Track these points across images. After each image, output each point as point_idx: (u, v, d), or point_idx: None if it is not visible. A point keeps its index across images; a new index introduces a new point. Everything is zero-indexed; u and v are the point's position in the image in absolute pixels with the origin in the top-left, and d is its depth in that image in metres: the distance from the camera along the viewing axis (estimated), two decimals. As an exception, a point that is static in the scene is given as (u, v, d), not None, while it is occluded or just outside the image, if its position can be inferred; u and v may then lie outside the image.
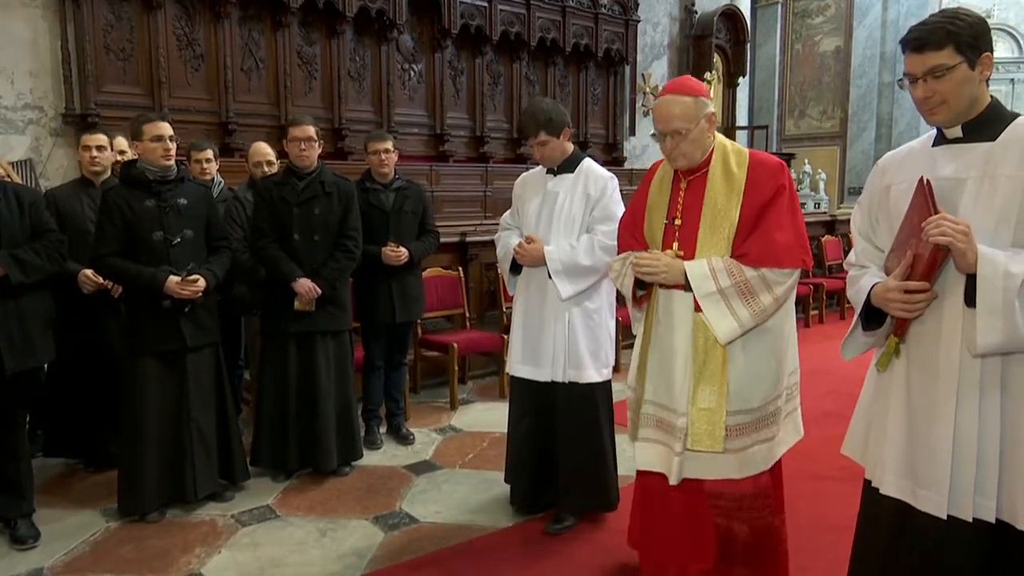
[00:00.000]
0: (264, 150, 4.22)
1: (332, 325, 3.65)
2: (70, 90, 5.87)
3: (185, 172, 3.42)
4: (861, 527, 1.91)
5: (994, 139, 1.66)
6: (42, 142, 5.83)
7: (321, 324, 3.61)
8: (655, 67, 10.72)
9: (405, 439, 4.18)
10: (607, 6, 9.62)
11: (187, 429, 3.25)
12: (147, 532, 3.11)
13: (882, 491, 1.79)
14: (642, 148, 10.63)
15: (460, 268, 5.23)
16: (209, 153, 4.13)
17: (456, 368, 4.81)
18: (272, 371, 3.64)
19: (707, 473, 2.21)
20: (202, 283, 3.17)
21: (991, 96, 1.70)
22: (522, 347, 3.09)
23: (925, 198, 1.63)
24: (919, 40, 1.66)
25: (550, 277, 2.93)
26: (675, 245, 2.20)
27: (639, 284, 2.31)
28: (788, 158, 11.50)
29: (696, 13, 11.02)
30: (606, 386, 3.06)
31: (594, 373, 2.99)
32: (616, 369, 3.37)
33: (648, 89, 10.56)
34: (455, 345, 4.69)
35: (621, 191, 3.06)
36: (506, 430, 3.29)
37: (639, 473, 2.43)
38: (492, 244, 3.37)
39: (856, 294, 1.83)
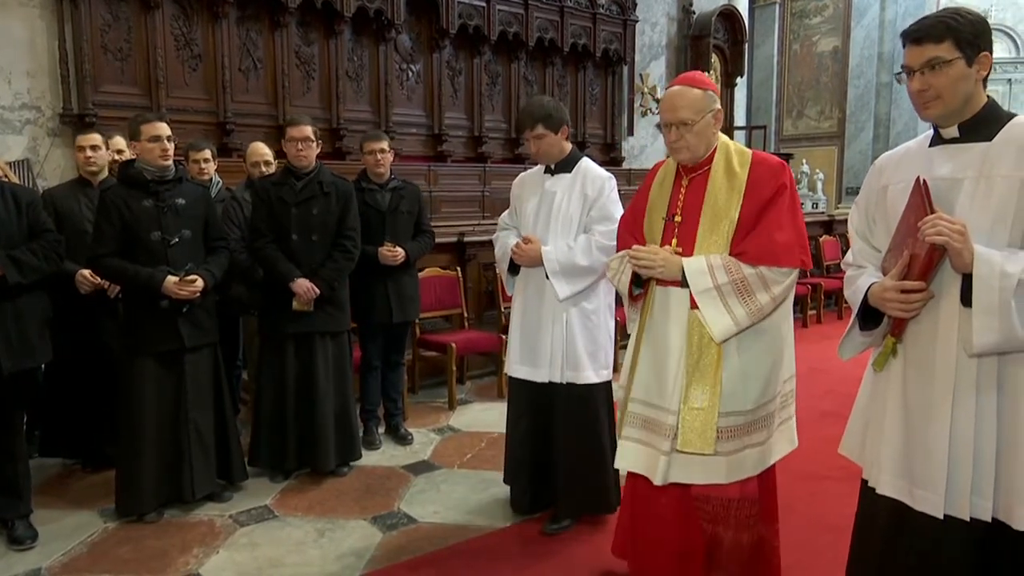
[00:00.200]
0: (262, 150, 4.22)
1: (331, 326, 3.65)
2: (67, 90, 5.86)
3: (183, 172, 3.42)
4: (858, 527, 1.91)
5: (991, 139, 1.66)
6: (39, 142, 5.82)
7: (320, 325, 3.60)
8: (653, 67, 10.72)
9: (403, 439, 4.18)
10: (605, 6, 9.61)
11: (185, 429, 3.25)
12: (145, 532, 3.10)
13: (879, 491, 1.79)
14: (640, 148, 10.64)
15: (458, 268, 5.23)
16: (207, 153, 4.13)
17: (454, 368, 4.81)
18: (270, 371, 3.63)
19: (695, 477, 2.17)
20: (200, 283, 3.16)
21: (988, 96, 1.71)
22: (520, 348, 3.09)
23: (922, 198, 1.64)
24: (919, 32, 1.67)
25: (547, 278, 2.93)
26: (674, 241, 2.20)
27: (636, 282, 2.30)
28: (786, 158, 11.37)
29: (694, 13, 11.02)
30: (605, 387, 3.05)
31: (592, 374, 2.98)
32: (615, 370, 3.36)
33: (646, 89, 10.56)
34: (453, 345, 4.69)
35: (619, 191, 3.05)
36: (504, 430, 3.29)
37: (628, 478, 2.40)
38: (490, 244, 3.37)
39: (853, 294, 1.84)
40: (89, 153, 3.63)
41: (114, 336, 3.50)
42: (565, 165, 3.06)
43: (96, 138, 3.70)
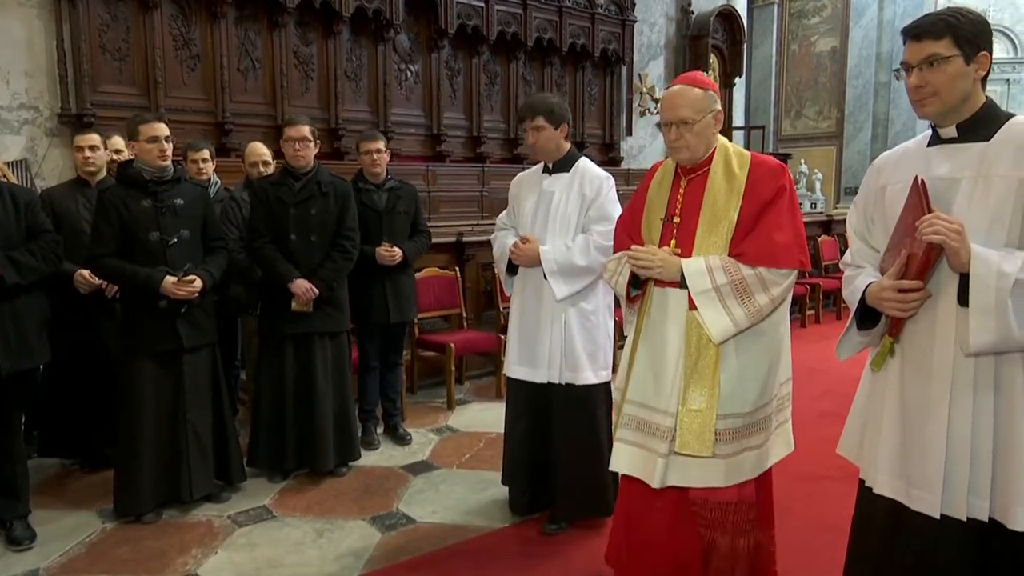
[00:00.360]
0: (260, 150, 4.21)
1: (330, 326, 3.65)
2: (66, 90, 5.85)
3: (182, 172, 3.42)
4: (856, 527, 1.92)
5: (988, 139, 1.66)
6: (38, 142, 5.81)
7: (319, 325, 3.60)
8: (652, 67, 10.72)
9: (402, 439, 4.18)
10: (604, 6, 9.61)
11: (183, 430, 3.25)
12: (143, 533, 3.10)
13: (876, 491, 1.79)
14: (639, 148, 10.64)
15: (457, 268, 5.23)
16: (205, 153, 4.12)
17: (453, 368, 4.81)
18: (269, 372, 3.63)
19: (692, 480, 2.16)
20: (199, 283, 3.16)
21: (986, 96, 1.71)
22: (518, 348, 3.08)
23: (920, 197, 1.64)
24: (919, 28, 1.68)
25: (546, 278, 2.92)
26: (672, 242, 2.19)
27: (633, 283, 2.30)
28: (784, 158, 11.49)
29: (692, 13, 11.03)
30: (604, 388, 3.04)
31: (591, 375, 2.98)
32: (614, 371, 3.36)
33: (645, 89, 10.56)
34: (452, 345, 4.69)
35: (617, 191, 3.05)
36: (503, 431, 3.28)
37: (623, 482, 2.38)
38: (489, 244, 3.37)
39: (851, 294, 1.84)
40: (88, 153, 3.63)
41: (112, 337, 3.49)
42: (563, 164, 3.06)
43: (95, 138, 3.69)
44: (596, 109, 10.05)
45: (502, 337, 4.29)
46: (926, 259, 1.61)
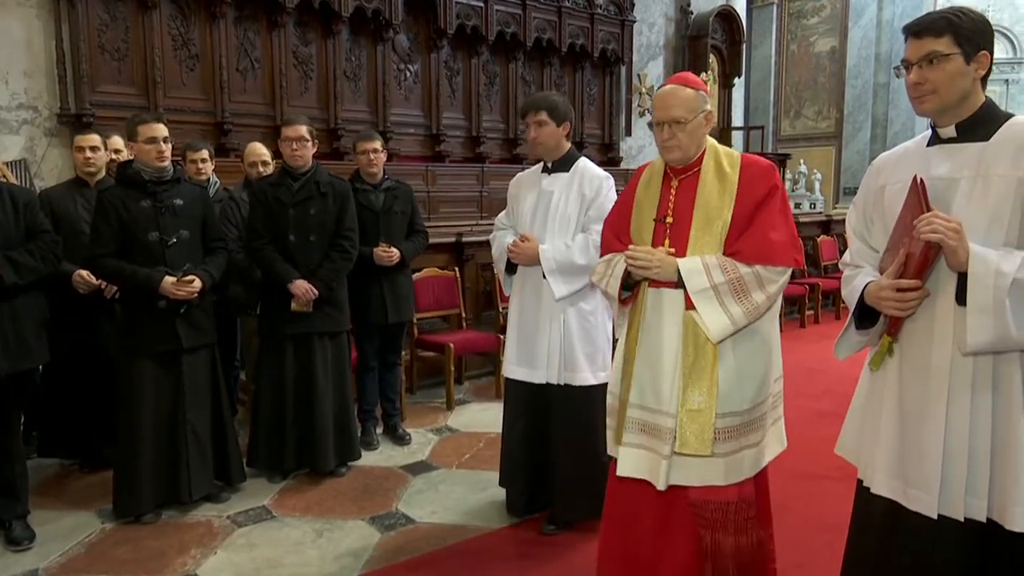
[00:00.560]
0: (259, 150, 4.21)
1: (329, 326, 3.65)
2: (65, 90, 5.85)
3: (181, 172, 3.42)
4: (854, 527, 1.92)
5: (988, 139, 1.67)
6: (37, 142, 5.81)
7: (318, 325, 3.60)
8: (651, 67, 10.72)
9: (401, 439, 4.18)
10: (603, 6, 9.61)
11: (182, 430, 3.24)
12: (142, 533, 3.10)
13: (873, 490, 1.79)
14: (638, 148, 10.64)
15: (456, 268, 5.23)
16: (205, 153, 4.12)
17: (452, 368, 4.81)
18: (269, 372, 3.63)
19: (692, 479, 2.16)
20: (198, 284, 3.16)
21: (986, 96, 1.71)
22: (517, 349, 3.08)
23: (919, 197, 1.64)
24: (920, 26, 1.68)
25: (545, 277, 2.92)
26: (666, 242, 2.19)
27: (624, 285, 2.29)
28: (784, 158, 11.52)
29: (692, 13, 11.03)
30: (602, 389, 3.01)
31: (589, 375, 2.97)
32: (613, 370, 3.37)
33: (644, 89, 10.56)
34: (451, 345, 4.69)
35: (617, 191, 3.05)
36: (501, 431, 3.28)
37: (612, 489, 2.37)
38: (488, 244, 3.37)
39: (850, 293, 1.84)
40: (88, 154, 3.63)
41: (111, 337, 3.49)
42: (563, 164, 3.06)
43: (96, 139, 3.69)
44: (595, 109, 10.05)
45: (501, 337, 4.29)
46: (924, 258, 1.61)
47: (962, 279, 1.59)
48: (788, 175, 12.67)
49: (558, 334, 2.97)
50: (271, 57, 7.12)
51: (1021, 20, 13.47)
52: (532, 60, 9.28)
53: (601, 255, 2.44)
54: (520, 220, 3.13)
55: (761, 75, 14.47)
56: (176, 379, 3.24)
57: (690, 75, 2.30)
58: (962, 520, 1.65)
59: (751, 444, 2.18)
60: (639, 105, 10.52)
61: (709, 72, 11.27)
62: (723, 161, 2.20)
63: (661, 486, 2.15)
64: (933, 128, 1.78)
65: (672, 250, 2.16)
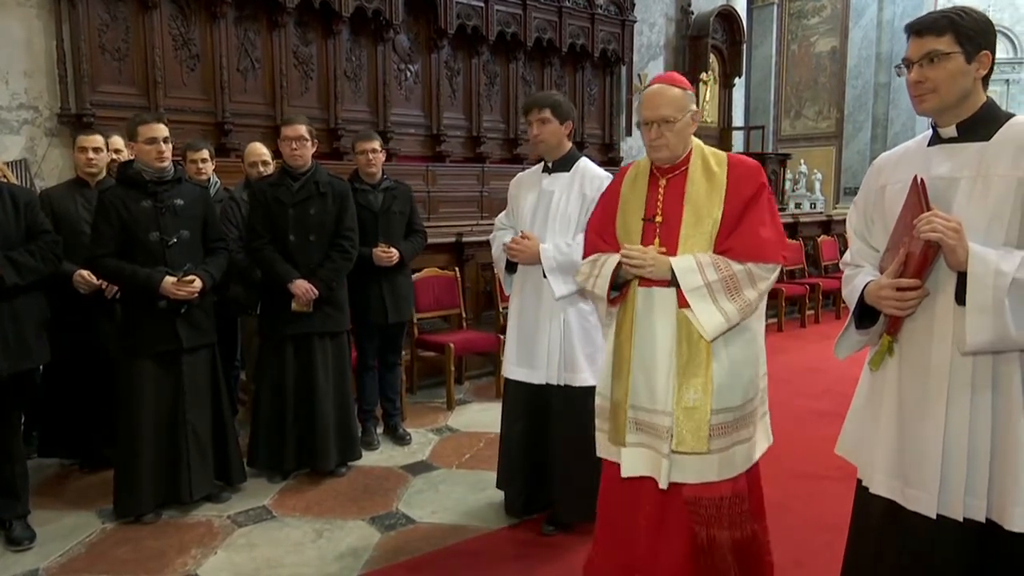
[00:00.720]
0: (260, 150, 4.21)
1: (330, 326, 3.65)
2: (65, 90, 5.86)
3: (182, 172, 3.42)
4: (853, 527, 1.92)
5: (988, 139, 1.67)
6: (37, 142, 5.81)
7: (319, 325, 3.60)
8: (651, 67, 10.72)
9: (402, 439, 4.18)
10: (603, 6, 9.62)
11: (182, 430, 3.25)
12: (143, 533, 3.10)
13: (872, 490, 1.79)
14: (639, 148, 10.64)
15: (456, 268, 5.23)
16: (205, 153, 4.12)
17: (452, 368, 4.81)
18: (269, 372, 3.63)
19: (688, 476, 2.17)
20: (198, 284, 3.16)
21: (987, 96, 1.71)
22: (517, 349, 3.07)
23: (919, 196, 1.65)
24: (921, 24, 1.68)
25: (545, 276, 2.92)
26: (656, 242, 2.20)
27: (614, 284, 2.29)
28: (784, 158, 11.51)
29: (692, 14, 11.03)
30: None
31: (589, 376, 2.95)
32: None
33: (644, 89, 10.58)
34: (451, 345, 4.69)
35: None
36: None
37: (606, 490, 2.36)
38: (488, 244, 3.36)
39: (850, 293, 1.84)
40: (91, 155, 3.63)
41: (111, 337, 3.49)
42: (564, 164, 3.05)
43: (99, 140, 3.69)
44: (596, 109, 10.06)
45: (501, 337, 4.28)
46: (924, 257, 1.61)
47: (962, 278, 1.59)
48: (788, 175, 12.66)
49: (558, 334, 2.96)
50: (271, 57, 7.12)
51: (1022, 20, 13.47)
52: (532, 60, 9.28)
53: (584, 256, 2.44)
54: (520, 220, 3.13)
55: (761, 75, 14.47)
56: (176, 379, 3.24)
57: (676, 75, 2.32)
58: (961, 520, 1.65)
59: (743, 439, 2.20)
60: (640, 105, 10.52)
61: (709, 72, 11.27)
62: (710, 160, 2.22)
63: (664, 484, 2.16)
64: (934, 128, 1.78)
65: (663, 249, 2.17)
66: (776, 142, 14.62)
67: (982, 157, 1.66)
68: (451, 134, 8.55)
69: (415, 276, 4.79)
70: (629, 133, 10.50)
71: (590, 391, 2.94)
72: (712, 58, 11.22)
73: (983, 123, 1.69)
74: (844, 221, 2.15)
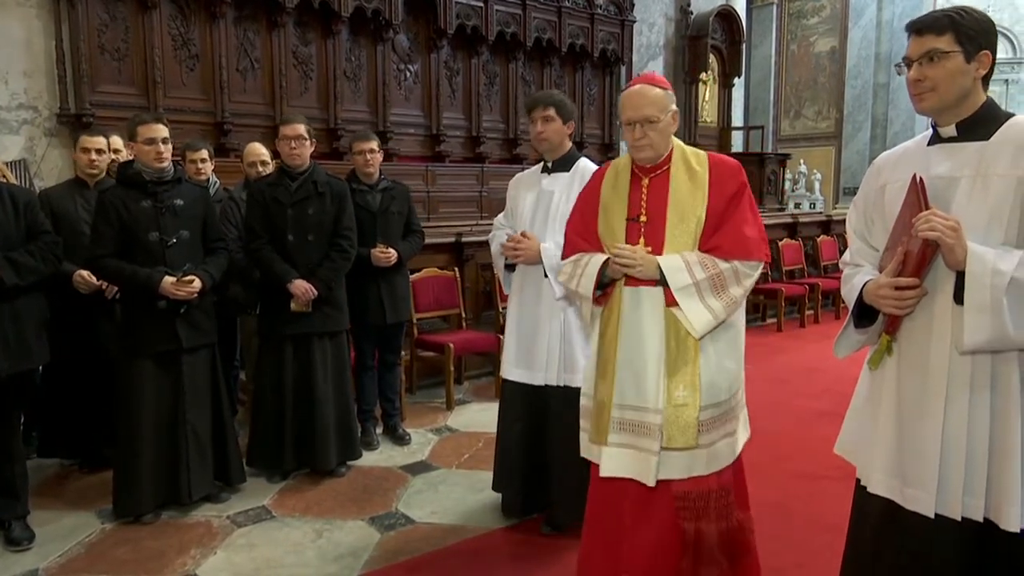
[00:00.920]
0: (259, 150, 4.21)
1: (329, 326, 3.65)
2: (64, 90, 5.86)
3: (182, 173, 3.42)
4: (852, 527, 1.92)
5: (988, 138, 1.67)
6: (36, 142, 5.81)
7: (318, 325, 3.60)
8: (651, 67, 10.72)
9: (401, 439, 4.18)
10: (603, 7, 9.62)
11: (182, 431, 3.24)
12: (142, 533, 3.10)
13: (870, 490, 1.79)
14: (638, 148, 10.64)
15: (456, 268, 5.23)
16: (204, 153, 4.12)
17: (452, 368, 4.80)
18: (269, 372, 3.63)
19: (676, 472, 2.18)
20: (198, 284, 3.16)
21: (987, 96, 1.71)
22: (516, 349, 3.05)
23: (917, 195, 1.65)
24: (922, 23, 1.69)
25: (546, 276, 2.91)
26: (641, 241, 2.21)
27: (599, 283, 2.29)
28: (783, 158, 11.51)
29: (692, 14, 11.04)
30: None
31: None
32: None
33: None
34: (451, 345, 4.68)
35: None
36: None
37: (594, 490, 2.36)
38: (488, 244, 3.36)
39: (849, 292, 1.84)
40: (94, 156, 3.62)
41: (111, 337, 3.49)
42: (563, 164, 3.05)
43: (102, 142, 3.68)
44: (595, 109, 10.06)
45: (501, 337, 4.28)
46: (922, 256, 1.61)
47: (960, 278, 1.59)
48: (788, 175, 12.66)
49: (558, 334, 2.95)
50: (271, 57, 7.13)
51: (1021, 20, 13.48)
52: (532, 60, 9.29)
53: (564, 256, 2.44)
54: (520, 220, 3.12)
55: (761, 75, 14.48)
56: (176, 379, 3.24)
57: (655, 75, 2.34)
58: (959, 520, 1.65)
59: (728, 433, 2.23)
60: (639, 105, 10.51)
61: (709, 72, 11.28)
62: (691, 159, 2.24)
63: (651, 482, 2.17)
64: (934, 127, 1.78)
65: (648, 248, 2.19)
66: (775, 142, 14.64)
67: (981, 156, 1.66)
68: (451, 134, 8.56)
69: (415, 276, 4.79)
70: (629, 133, 10.50)
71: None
72: (711, 58, 11.22)
73: (983, 123, 1.69)
74: (844, 221, 2.16)
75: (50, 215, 3.36)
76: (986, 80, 1.71)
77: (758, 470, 3.54)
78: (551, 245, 2.91)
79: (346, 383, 3.77)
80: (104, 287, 3.49)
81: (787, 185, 12.89)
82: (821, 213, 10.90)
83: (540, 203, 3.04)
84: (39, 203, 3.22)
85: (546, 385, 2.99)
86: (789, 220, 8.53)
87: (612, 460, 2.23)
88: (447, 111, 8.54)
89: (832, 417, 3.50)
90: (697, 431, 2.13)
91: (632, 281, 2.21)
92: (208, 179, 4.13)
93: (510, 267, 3.11)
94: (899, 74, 1.78)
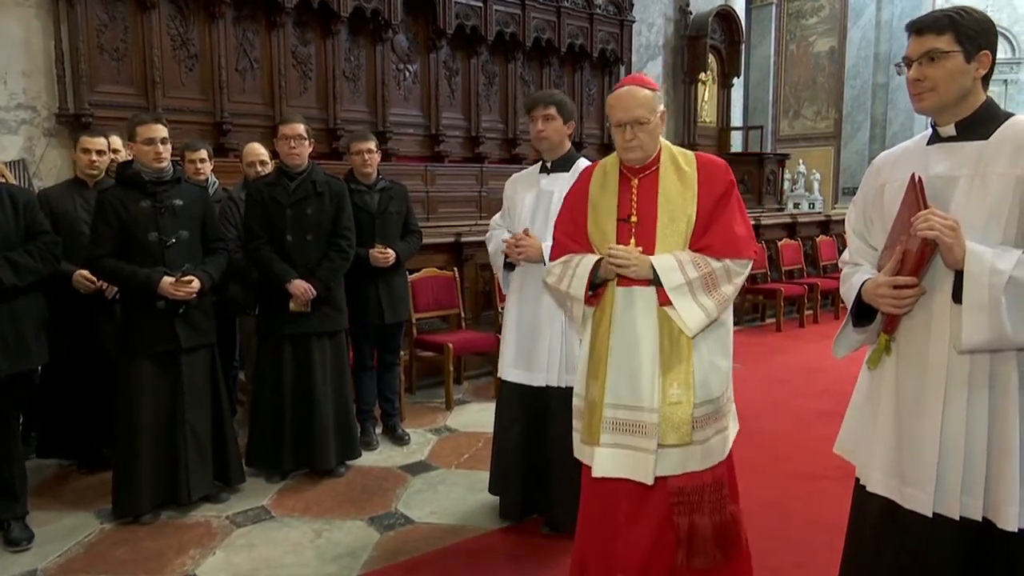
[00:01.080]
0: (257, 150, 4.21)
1: (328, 326, 3.65)
2: (63, 90, 5.85)
3: (181, 173, 3.41)
4: (851, 526, 1.92)
5: (987, 138, 1.67)
6: (35, 142, 5.81)
7: (317, 325, 3.60)
8: (650, 67, 10.73)
9: (400, 439, 4.18)
10: (602, 7, 9.63)
11: (181, 431, 3.24)
12: (141, 534, 3.10)
13: (869, 489, 1.79)
14: (637, 148, 10.64)
15: (455, 268, 5.23)
16: (203, 153, 4.12)
17: (451, 368, 4.80)
18: (268, 373, 3.63)
19: (671, 468, 2.19)
20: (196, 284, 3.16)
21: (987, 96, 1.71)
22: (516, 350, 3.04)
23: (916, 194, 1.65)
24: (922, 23, 1.69)
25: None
26: (632, 241, 2.21)
27: (590, 284, 2.29)
28: (782, 158, 11.52)
29: (691, 14, 11.04)
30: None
31: None
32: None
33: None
34: (450, 345, 4.68)
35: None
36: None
37: (588, 491, 2.36)
38: (486, 245, 3.35)
39: (848, 291, 1.84)
40: (95, 157, 3.62)
41: (110, 337, 3.49)
42: (563, 164, 3.04)
43: (103, 143, 3.68)
44: (595, 109, 10.06)
45: (500, 337, 4.28)
46: (921, 255, 1.61)
47: (959, 277, 1.59)
48: (787, 175, 12.67)
49: (559, 334, 2.94)
50: (270, 57, 7.13)
51: (1020, 20, 13.50)
52: (531, 60, 9.29)
53: (552, 258, 2.43)
54: (518, 220, 3.09)
55: (760, 75, 14.48)
56: (175, 379, 3.24)
57: (643, 76, 2.36)
58: (957, 519, 1.65)
59: (721, 429, 2.25)
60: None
61: (708, 72, 11.28)
62: (679, 159, 2.25)
63: (650, 481, 2.17)
64: (933, 127, 1.78)
65: (640, 248, 2.20)
66: (775, 142, 14.64)
67: (980, 156, 1.66)
68: (450, 134, 8.56)
69: (414, 276, 4.80)
70: (628, 133, 10.49)
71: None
72: (711, 58, 11.23)
73: (982, 122, 1.69)
74: (843, 221, 2.17)
75: (49, 215, 3.36)
76: (986, 80, 1.71)
77: (757, 470, 3.56)
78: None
79: (345, 383, 3.77)
80: (104, 287, 3.49)
81: (786, 185, 12.90)
82: (820, 213, 10.91)
83: (540, 203, 3.03)
84: (38, 203, 3.22)
85: (547, 386, 2.97)
86: (788, 220, 8.53)
87: (605, 460, 2.23)
88: (446, 111, 8.54)
89: (831, 417, 3.50)
90: (691, 428, 2.15)
91: (624, 281, 2.21)
92: (207, 179, 4.13)
93: (508, 267, 3.10)
94: (899, 74, 1.78)
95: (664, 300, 2.15)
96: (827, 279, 7.88)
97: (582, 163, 3.05)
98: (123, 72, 6.24)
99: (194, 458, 3.27)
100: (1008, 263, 1.53)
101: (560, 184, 3.01)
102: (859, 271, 1.84)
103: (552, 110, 2.95)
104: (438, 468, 3.83)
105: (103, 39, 6.09)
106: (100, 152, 3.64)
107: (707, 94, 11.47)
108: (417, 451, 4.07)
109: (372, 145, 4.02)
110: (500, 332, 4.49)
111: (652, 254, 2.17)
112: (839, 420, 1.99)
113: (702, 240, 2.18)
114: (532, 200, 3.05)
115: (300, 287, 3.49)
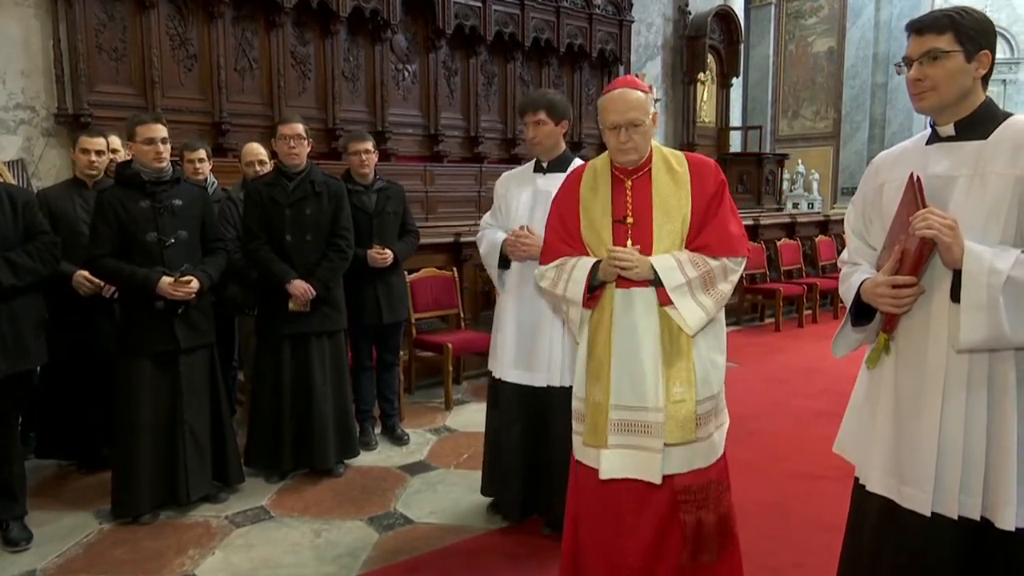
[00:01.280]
0: (256, 150, 4.21)
1: (327, 326, 3.65)
2: (62, 90, 5.85)
3: (181, 173, 3.41)
4: (850, 525, 1.92)
5: (986, 137, 1.67)
6: (34, 142, 5.80)
7: (316, 325, 3.60)
8: (649, 67, 10.73)
9: (400, 439, 4.18)
10: (601, 7, 9.62)
11: (180, 431, 3.24)
12: (140, 534, 3.10)
13: (868, 488, 1.80)
14: (636, 148, 10.64)
15: (454, 268, 5.23)
16: (202, 153, 4.12)
17: (451, 368, 4.80)
18: (267, 372, 3.63)
19: (678, 466, 2.21)
20: (195, 284, 3.16)
21: (986, 96, 1.71)
22: (515, 350, 3.01)
23: (915, 194, 1.65)
24: (922, 23, 1.69)
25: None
26: (628, 242, 2.22)
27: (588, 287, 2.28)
28: (781, 158, 11.53)
29: (690, 14, 11.04)
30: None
31: None
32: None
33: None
34: (450, 345, 4.68)
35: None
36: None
37: (589, 492, 2.35)
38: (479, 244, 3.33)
39: (847, 290, 1.85)
40: (94, 157, 3.62)
41: (109, 337, 3.49)
42: (559, 164, 3.03)
43: (101, 143, 3.67)
44: (593, 109, 9.92)
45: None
46: (919, 254, 1.61)
47: (957, 276, 1.59)
48: (786, 175, 12.68)
49: (560, 333, 2.92)
50: (269, 57, 7.12)
51: (1019, 20, 13.52)
52: (530, 60, 9.29)
53: (544, 262, 2.41)
54: (514, 218, 3.05)
55: (759, 75, 14.49)
56: (174, 379, 3.24)
57: (633, 78, 2.38)
58: (956, 519, 1.65)
59: (720, 424, 2.29)
60: (637, 105, 10.50)
61: (707, 72, 11.28)
62: (671, 160, 2.27)
63: (658, 480, 2.18)
64: (932, 126, 1.78)
65: (638, 248, 2.21)
66: (774, 142, 14.65)
67: (979, 155, 1.66)
68: (449, 134, 8.55)
69: (413, 276, 4.80)
70: (627, 133, 10.49)
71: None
72: (710, 58, 11.23)
73: (981, 122, 1.69)
74: (842, 221, 2.17)
75: (48, 215, 3.35)
76: (986, 80, 1.71)
77: (756, 470, 3.56)
78: None
79: (344, 383, 3.77)
80: (103, 287, 3.49)
81: (785, 185, 12.91)
82: (819, 213, 10.92)
83: (538, 202, 2.99)
84: (37, 203, 3.22)
85: (548, 386, 2.95)
86: (787, 220, 8.54)
87: (613, 462, 2.23)
88: (445, 111, 8.54)
89: (830, 417, 3.50)
90: (695, 425, 2.17)
91: (624, 283, 2.21)
92: (206, 179, 4.12)
93: (503, 265, 3.08)
94: (899, 74, 1.78)
95: (664, 300, 2.16)
96: (826, 279, 7.89)
97: (579, 163, 3.05)
98: (122, 72, 6.23)
99: (193, 458, 3.27)
100: (1006, 263, 1.54)
101: (558, 184, 2.99)
102: (858, 271, 1.84)
103: (542, 115, 2.95)
104: (437, 468, 3.83)
105: (102, 39, 6.08)
106: (99, 152, 3.64)
107: (706, 94, 11.47)
108: (416, 451, 4.07)
109: (369, 145, 4.02)
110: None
111: (649, 254, 2.19)
112: (838, 420, 1.99)
113: (698, 239, 2.20)
114: (529, 199, 3.03)
115: (300, 287, 3.49)
